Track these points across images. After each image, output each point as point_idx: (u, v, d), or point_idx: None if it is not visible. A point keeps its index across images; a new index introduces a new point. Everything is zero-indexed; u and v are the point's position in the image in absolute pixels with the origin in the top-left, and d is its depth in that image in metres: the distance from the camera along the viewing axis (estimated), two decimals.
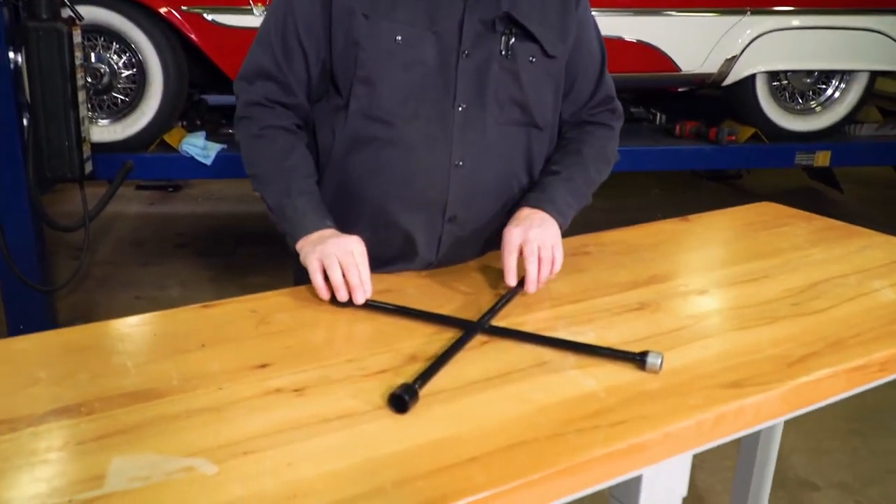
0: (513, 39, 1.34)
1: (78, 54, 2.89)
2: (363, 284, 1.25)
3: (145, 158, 3.38)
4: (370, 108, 1.34)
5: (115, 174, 3.26)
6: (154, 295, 3.67)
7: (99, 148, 3.20)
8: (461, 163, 1.36)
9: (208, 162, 3.42)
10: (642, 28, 3.61)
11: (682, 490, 1.03)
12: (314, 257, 1.26)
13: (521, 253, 1.31)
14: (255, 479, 0.84)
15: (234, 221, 4.77)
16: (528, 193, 1.42)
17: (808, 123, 4.06)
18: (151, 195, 5.10)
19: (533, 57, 1.37)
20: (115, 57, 3.29)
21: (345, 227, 1.33)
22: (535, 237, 1.30)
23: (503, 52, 1.35)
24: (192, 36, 3.22)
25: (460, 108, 1.35)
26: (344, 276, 1.24)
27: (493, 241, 1.46)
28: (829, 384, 1.11)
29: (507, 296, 1.28)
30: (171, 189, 5.21)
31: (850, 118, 4.12)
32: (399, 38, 1.30)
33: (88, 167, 3.02)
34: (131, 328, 1.20)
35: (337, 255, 1.25)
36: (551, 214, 1.36)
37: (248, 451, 0.88)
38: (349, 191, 1.40)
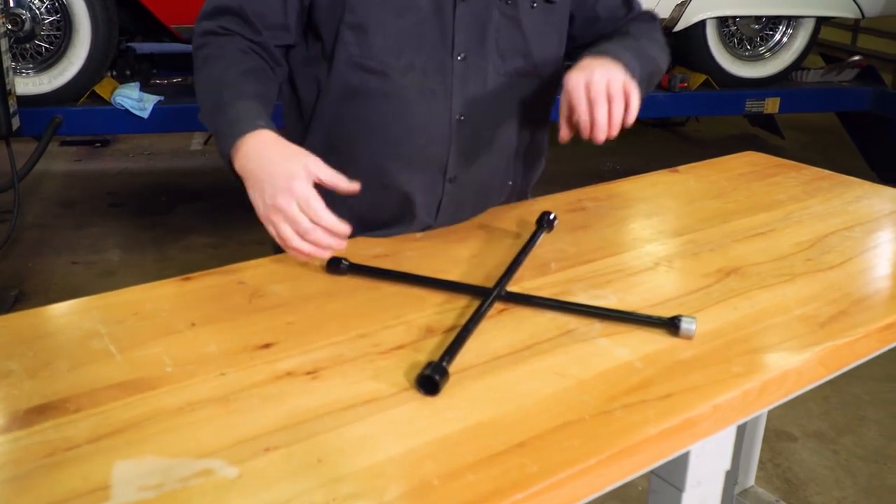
0: None
1: None
2: (319, 229, 1.00)
3: (75, 112, 3.16)
4: (361, 56, 1.22)
5: (42, 129, 3.02)
6: (92, 259, 3.45)
7: (24, 101, 2.96)
8: (462, 117, 1.26)
9: (145, 115, 3.21)
10: None
11: (726, 464, 0.97)
12: (260, 204, 1.03)
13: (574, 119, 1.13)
14: (285, 480, 0.74)
15: (169, 177, 4.52)
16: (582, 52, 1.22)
17: (756, 70, 4.07)
18: (78, 151, 4.80)
19: (534, 2, 1.27)
20: (36, 1, 3.02)
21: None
22: (601, 77, 1.11)
23: None
24: None
25: (459, 58, 1.23)
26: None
27: (493, 202, 1.38)
28: (863, 344, 1.07)
29: (519, 258, 1.19)
30: (98, 144, 4.91)
31: (797, 65, 4.15)
32: None
33: (15, 123, 2.78)
34: (107, 307, 1.06)
35: (278, 201, 1.00)
36: (617, 63, 1.15)
37: (270, 447, 0.78)
38: (340, 149, 1.27)
